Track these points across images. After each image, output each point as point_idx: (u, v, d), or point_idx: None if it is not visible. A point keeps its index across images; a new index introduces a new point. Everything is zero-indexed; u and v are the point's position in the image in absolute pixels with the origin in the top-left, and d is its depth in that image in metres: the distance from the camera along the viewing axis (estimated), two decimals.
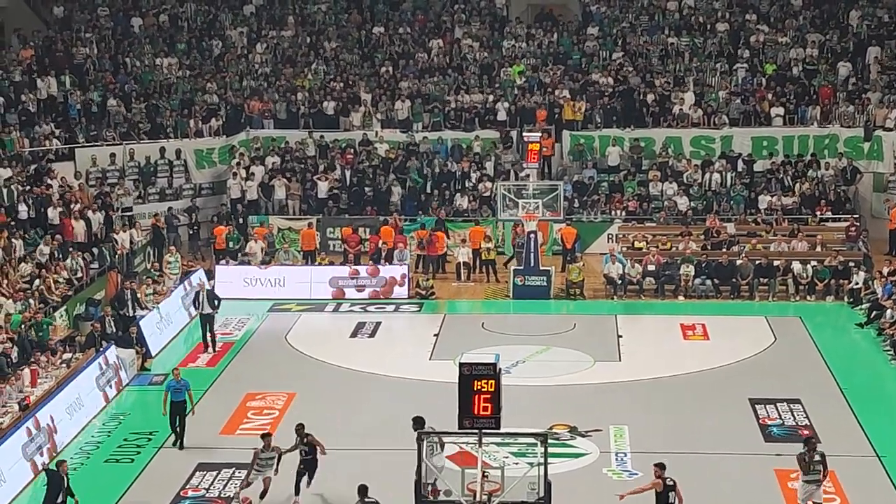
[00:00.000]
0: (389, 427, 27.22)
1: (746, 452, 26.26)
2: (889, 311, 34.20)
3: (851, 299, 37.61)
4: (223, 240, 41.51)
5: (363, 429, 27.69)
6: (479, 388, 15.49)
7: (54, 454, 25.97)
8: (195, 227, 44.38)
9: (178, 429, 26.47)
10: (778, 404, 28.90)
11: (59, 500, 21.81)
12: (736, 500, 23.84)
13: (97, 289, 35.94)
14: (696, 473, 24.85)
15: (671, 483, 20.62)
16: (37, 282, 33.60)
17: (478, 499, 15.44)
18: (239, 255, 41.27)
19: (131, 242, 39.61)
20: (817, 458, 21.93)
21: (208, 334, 33.77)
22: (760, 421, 27.99)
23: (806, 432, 27.13)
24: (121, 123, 46.25)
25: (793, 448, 26.10)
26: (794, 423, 27.82)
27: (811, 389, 30.08)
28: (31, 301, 32.18)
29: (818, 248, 39.96)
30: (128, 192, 43.70)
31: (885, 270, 37.32)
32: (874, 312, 35.10)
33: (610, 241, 42.60)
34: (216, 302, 34.00)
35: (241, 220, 43.79)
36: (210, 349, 33.44)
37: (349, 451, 26.34)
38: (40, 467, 25.20)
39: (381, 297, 38.93)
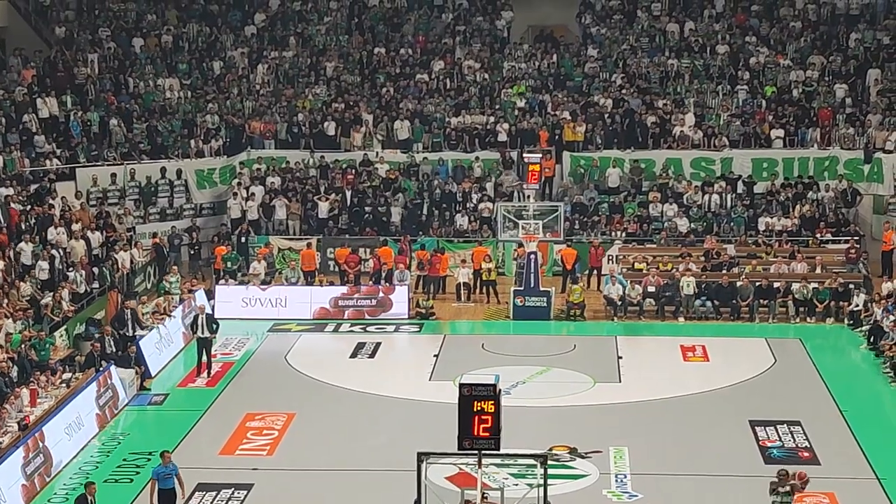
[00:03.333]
0: (389, 447, 27.21)
1: (746, 474, 26.21)
2: (889, 334, 34.20)
3: (851, 321, 37.61)
4: (221, 260, 41.54)
5: (363, 449, 27.65)
6: (478, 408, 15.49)
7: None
8: (196, 247, 44.39)
9: None
10: (778, 426, 28.87)
11: None
12: None
13: (97, 308, 35.95)
14: (696, 495, 24.84)
15: None
16: (46, 300, 33.64)
17: None
18: (238, 275, 41.29)
19: (132, 262, 39.61)
20: (785, 489, 21.81)
21: (203, 358, 33.66)
22: (760, 443, 27.96)
23: (806, 454, 27.18)
24: (122, 143, 46.32)
25: (793, 470, 26.15)
26: (795, 445, 27.79)
27: (811, 411, 30.06)
28: (36, 320, 32.22)
29: (818, 270, 39.97)
30: (128, 211, 43.72)
31: (885, 291, 37.38)
32: (874, 335, 35.09)
33: (610, 262, 42.60)
34: (214, 326, 33.96)
35: (243, 240, 43.82)
36: (205, 374, 33.38)
37: (348, 471, 26.32)
38: (38, 487, 25.22)
39: (380, 314, 38.94)
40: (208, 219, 46.65)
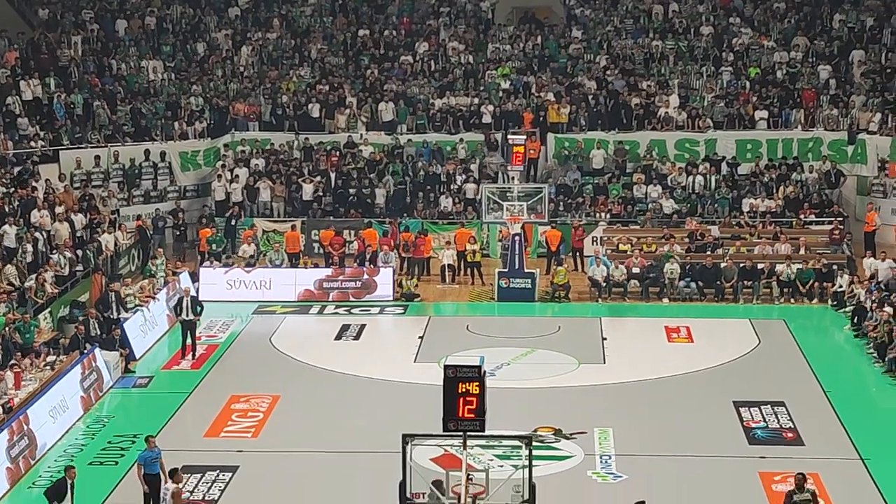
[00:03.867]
0: (374, 429, 27.23)
1: (730, 455, 26.30)
2: (872, 314, 34.32)
3: (835, 302, 37.71)
4: (206, 242, 41.50)
5: (347, 431, 27.67)
6: (463, 390, 15.49)
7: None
8: (181, 230, 44.30)
9: None
10: (762, 407, 28.96)
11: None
12: (720, 502, 23.88)
13: (81, 291, 35.85)
14: (680, 476, 24.91)
15: None
16: (30, 282, 33.57)
17: (462, 501, 15.44)
18: (223, 257, 41.23)
19: (116, 244, 39.52)
20: (806, 496, 21.52)
21: (188, 341, 33.61)
22: (744, 423, 28.04)
23: (790, 435, 27.27)
24: (105, 126, 46.17)
25: (777, 451, 26.31)
26: (779, 426, 27.88)
27: (795, 392, 30.16)
28: (20, 303, 32.13)
29: (802, 251, 40.06)
30: (112, 194, 43.61)
31: (867, 269, 37.52)
32: (857, 316, 35.22)
33: (594, 243, 42.66)
34: (199, 308, 33.90)
35: (233, 223, 43.74)
36: (190, 356, 33.33)
37: (333, 453, 26.34)
38: (23, 470, 25.20)
39: (365, 296, 38.93)
40: (192, 201, 46.56)
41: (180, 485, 22.29)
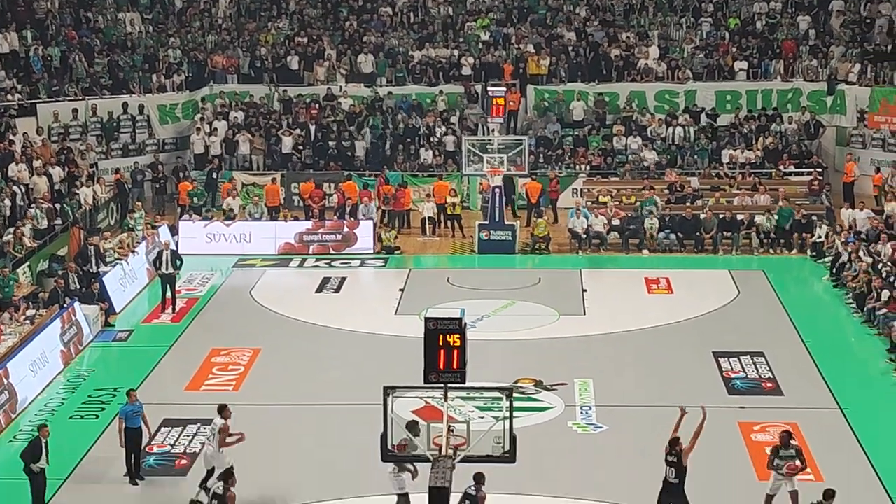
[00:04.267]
0: (355, 382, 27.27)
1: (710, 405, 26.31)
2: (851, 265, 34.45)
3: (814, 253, 37.82)
4: (186, 196, 41.37)
5: (329, 384, 27.72)
6: (444, 342, 15.50)
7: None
8: (160, 183, 44.12)
9: (132, 463, 23.07)
10: (741, 357, 29.10)
11: (39, 464, 21.50)
12: (700, 453, 23.95)
13: (60, 245, 35.74)
14: (660, 426, 24.98)
15: None
16: (8, 236, 33.44)
17: (443, 453, 15.48)
18: (204, 210, 41.10)
19: (94, 198, 39.36)
20: (791, 452, 21.34)
21: (168, 295, 33.54)
22: (724, 374, 28.18)
23: (769, 385, 27.41)
24: (83, 78, 45.87)
25: (756, 401, 26.45)
26: (758, 376, 28.03)
27: (774, 343, 30.29)
28: (3, 254, 32.02)
29: (781, 202, 40.12)
30: (90, 147, 43.39)
31: (845, 220, 37.64)
32: (836, 267, 35.34)
33: (574, 195, 42.65)
34: (178, 262, 33.81)
35: (214, 175, 43.59)
36: (170, 309, 33.27)
37: (315, 406, 26.39)
38: (3, 424, 25.19)
39: (345, 249, 38.88)
40: (171, 154, 46.35)
41: (228, 420, 22.24)
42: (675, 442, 20.23)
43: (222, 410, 22.35)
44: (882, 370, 28.52)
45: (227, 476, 19.38)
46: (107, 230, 37.79)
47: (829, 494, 19.11)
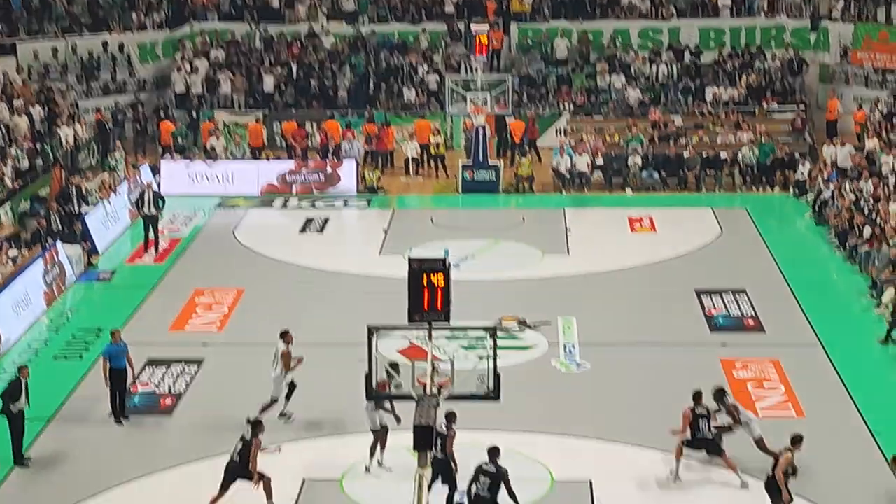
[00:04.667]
0: (339, 322, 27.32)
1: (692, 343, 26.56)
2: (834, 202, 34.53)
3: (797, 190, 37.87)
4: (168, 135, 41.19)
5: (313, 324, 27.74)
6: (428, 282, 15.51)
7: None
8: (141, 123, 43.89)
9: (117, 402, 23.12)
10: (723, 295, 29.20)
11: (18, 404, 21.50)
12: (682, 390, 24.08)
13: (41, 185, 35.60)
14: (643, 364, 25.15)
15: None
16: None
17: (428, 391, 15.53)
18: (186, 150, 40.93)
19: (75, 138, 39.17)
20: (722, 408, 21.19)
21: (150, 235, 33.45)
22: (706, 312, 28.29)
23: (751, 322, 27.55)
24: (62, 17, 45.48)
25: (738, 338, 26.59)
26: (740, 314, 28.15)
27: (756, 280, 30.40)
28: None
29: (764, 140, 40.09)
30: (71, 87, 43.12)
31: (828, 157, 37.68)
32: (819, 204, 35.42)
33: (558, 134, 42.56)
34: (161, 202, 33.70)
35: (195, 115, 43.35)
36: (152, 250, 33.20)
37: (299, 346, 26.35)
38: None
39: (328, 189, 38.80)
40: (152, 94, 46.09)
41: (290, 345, 22.54)
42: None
43: (284, 336, 22.71)
44: (863, 307, 28.67)
45: (256, 424, 19.36)
46: (88, 170, 37.64)
47: (797, 440, 19.12)
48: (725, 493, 19.97)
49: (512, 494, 18.47)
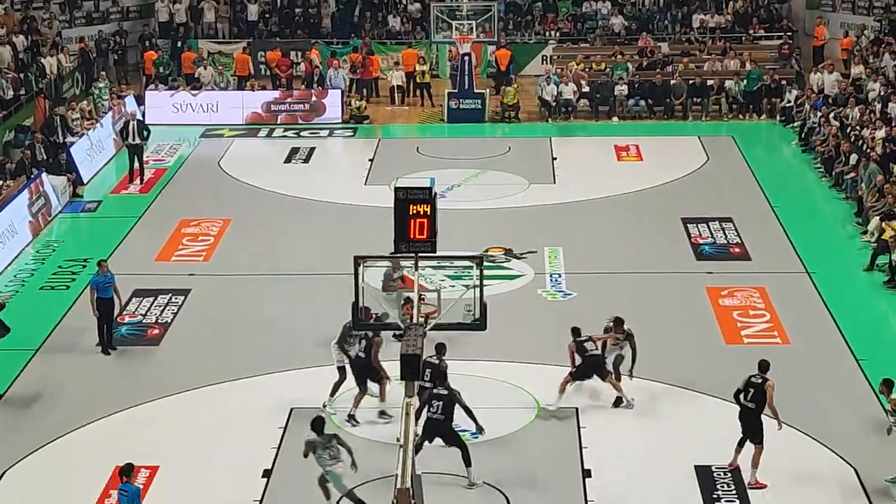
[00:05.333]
0: (325, 252, 27.31)
1: (679, 271, 26.63)
2: (820, 129, 34.50)
3: (783, 118, 37.81)
4: (151, 65, 40.92)
5: (299, 254, 27.76)
6: (414, 212, 15.47)
7: None
8: (124, 52, 43.51)
9: (104, 333, 23.06)
10: (710, 223, 29.23)
11: None
12: (668, 318, 24.23)
13: (25, 115, 35.37)
14: (629, 292, 25.21)
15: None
16: None
17: (414, 321, 15.55)
18: (169, 80, 40.68)
19: (59, 68, 38.87)
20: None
21: (135, 166, 33.29)
22: (692, 240, 28.32)
23: (737, 250, 27.62)
24: None
25: (724, 266, 26.68)
26: (726, 242, 28.19)
27: (743, 208, 30.43)
28: None
29: (750, 67, 39.97)
30: (54, 16, 42.72)
31: (815, 85, 37.61)
32: (805, 131, 35.38)
33: (544, 62, 42.37)
34: (145, 133, 33.53)
35: (179, 44, 43.02)
36: (138, 180, 33.06)
37: (285, 276, 26.45)
38: None
39: (314, 118, 38.64)
40: (135, 23, 45.68)
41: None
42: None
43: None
44: (849, 234, 28.73)
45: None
46: (72, 100, 37.40)
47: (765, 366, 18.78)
48: (707, 422, 20.08)
49: (468, 411, 18.56)
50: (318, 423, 17.38)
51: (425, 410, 18.22)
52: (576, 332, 20.56)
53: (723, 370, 20.97)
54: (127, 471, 16.43)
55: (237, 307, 24.91)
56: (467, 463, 18.16)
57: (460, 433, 18.66)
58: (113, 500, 17.83)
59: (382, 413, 20.22)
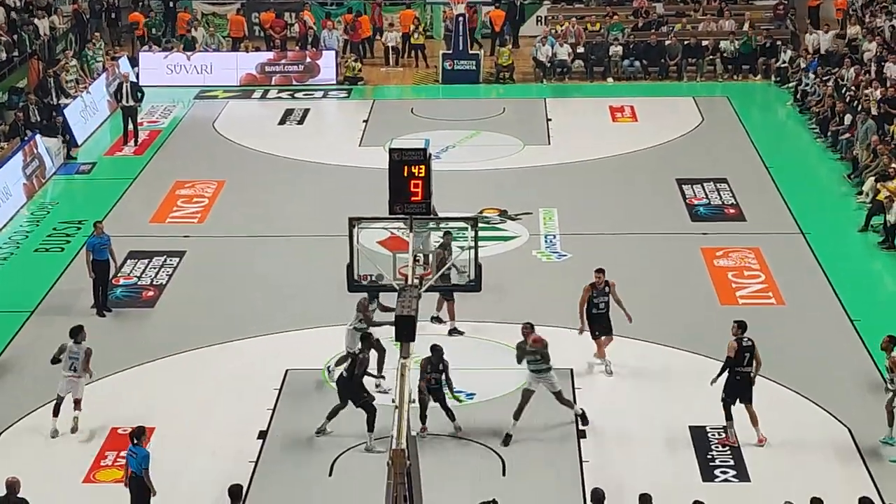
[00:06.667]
0: (320, 213, 27.30)
1: (673, 232, 26.64)
2: (815, 89, 34.44)
3: (778, 78, 37.74)
4: (143, 26, 40.74)
5: (294, 216, 27.74)
6: (409, 173, 15.45)
7: None
8: (117, 13, 43.27)
9: (100, 295, 23.09)
10: (705, 184, 29.23)
11: None
12: (664, 279, 24.28)
13: (19, 77, 35.25)
14: (623, 253, 25.22)
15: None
16: None
17: (409, 282, 15.56)
18: (163, 41, 40.50)
19: (52, 29, 38.70)
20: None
21: (130, 127, 33.19)
22: (687, 201, 28.32)
23: (732, 211, 27.63)
24: None
25: (719, 227, 26.71)
26: (721, 203, 28.19)
27: (738, 168, 30.42)
28: None
29: (745, 27, 39.85)
30: None
31: (810, 45, 37.51)
32: (800, 91, 35.33)
33: (539, 23, 42.23)
34: (139, 94, 33.42)
35: (171, 5, 42.79)
36: (132, 142, 32.98)
37: (280, 237, 26.45)
38: None
39: (308, 79, 38.52)
40: None
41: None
42: None
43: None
44: (843, 194, 28.73)
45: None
46: (66, 62, 37.22)
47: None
48: (702, 382, 20.12)
49: (448, 381, 18.66)
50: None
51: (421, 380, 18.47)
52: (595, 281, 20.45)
53: (717, 331, 20.98)
54: (138, 434, 16.57)
55: (232, 269, 24.91)
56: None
57: (457, 393, 18.77)
58: (108, 461, 17.93)
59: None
